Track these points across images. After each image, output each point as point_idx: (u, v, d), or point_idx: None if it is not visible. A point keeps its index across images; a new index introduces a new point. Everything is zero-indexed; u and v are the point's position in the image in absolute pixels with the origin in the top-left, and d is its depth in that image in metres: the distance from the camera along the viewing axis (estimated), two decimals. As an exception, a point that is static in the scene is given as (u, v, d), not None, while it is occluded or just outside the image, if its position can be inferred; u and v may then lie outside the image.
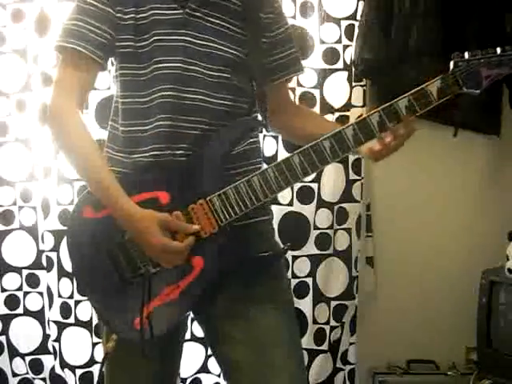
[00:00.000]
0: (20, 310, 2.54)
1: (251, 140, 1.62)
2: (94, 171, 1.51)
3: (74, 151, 1.54)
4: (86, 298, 1.60)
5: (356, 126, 1.50)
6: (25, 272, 2.53)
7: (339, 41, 2.54)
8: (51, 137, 1.66)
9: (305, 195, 2.56)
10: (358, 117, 1.51)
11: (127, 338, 1.51)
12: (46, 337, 2.56)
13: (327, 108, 2.53)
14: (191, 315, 1.69)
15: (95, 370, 2.52)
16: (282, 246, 1.70)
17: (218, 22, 1.56)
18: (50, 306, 2.51)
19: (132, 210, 1.46)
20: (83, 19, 1.54)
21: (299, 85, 2.52)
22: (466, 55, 1.52)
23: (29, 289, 2.54)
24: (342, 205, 2.60)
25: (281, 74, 1.69)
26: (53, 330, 2.51)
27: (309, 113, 1.91)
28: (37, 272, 2.53)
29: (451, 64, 1.53)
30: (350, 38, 2.54)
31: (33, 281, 2.54)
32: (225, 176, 1.52)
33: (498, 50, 1.52)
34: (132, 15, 1.54)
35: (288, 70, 1.70)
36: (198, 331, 2.43)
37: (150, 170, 1.52)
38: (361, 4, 2.53)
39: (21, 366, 2.56)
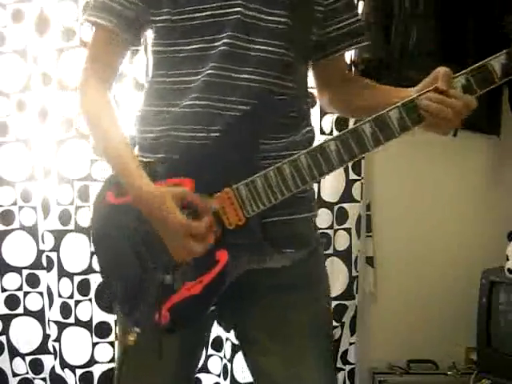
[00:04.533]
0: (20, 310, 2.54)
1: (303, 130, 1.46)
2: (112, 147, 1.41)
3: (96, 126, 1.46)
4: (109, 288, 1.50)
5: (402, 108, 1.31)
6: (25, 272, 2.53)
7: (339, 41, 2.54)
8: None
9: (305, 195, 2.55)
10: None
11: (148, 330, 1.41)
12: (46, 337, 2.56)
13: (327, 108, 2.53)
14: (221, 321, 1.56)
15: (95, 370, 2.53)
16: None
17: None
18: (50, 306, 2.51)
19: (146, 188, 1.35)
20: None
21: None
22: None
23: (29, 289, 2.54)
24: (342, 205, 2.60)
25: (339, 46, 1.51)
26: (53, 330, 2.51)
27: (368, 82, 1.64)
28: (37, 272, 2.53)
29: None
30: (350, 38, 2.54)
31: (33, 281, 2.54)
32: (260, 165, 1.37)
33: None
34: None
35: (350, 40, 1.51)
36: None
37: (175, 154, 1.40)
38: (361, 4, 2.53)
39: (21, 366, 2.56)
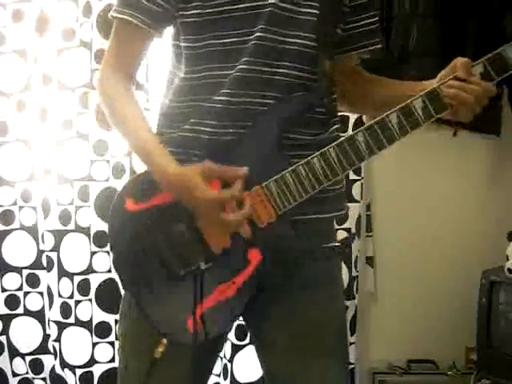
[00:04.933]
0: (20, 310, 2.54)
1: (332, 128, 1.45)
2: (137, 136, 1.39)
3: (119, 118, 1.43)
4: (133, 297, 1.45)
5: (425, 97, 1.33)
6: (25, 272, 2.53)
7: (339, 41, 2.54)
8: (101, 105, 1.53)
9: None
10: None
11: (179, 341, 1.37)
12: (46, 337, 2.56)
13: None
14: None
15: (95, 370, 2.52)
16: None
17: None
18: (50, 306, 2.51)
19: (172, 170, 1.32)
20: None
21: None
22: None
23: (29, 289, 2.54)
24: (342, 205, 2.60)
25: (355, 45, 1.51)
26: (53, 330, 2.51)
27: (379, 79, 1.66)
28: (37, 272, 2.53)
29: None
30: (350, 38, 2.54)
31: (33, 281, 2.54)
32: (288, 161, 1.35)
33: None
34: None
35: (365, 41, 1.51)
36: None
37: (203, 150, 1.37)
38: (361, 4, 2.53)
39: (21, 366, 2.56)
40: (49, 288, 2.51)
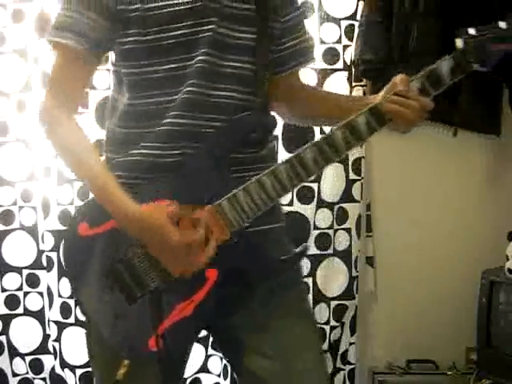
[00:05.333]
0: (20, 310, 2.54)
1: (269, 144, 1.52)
2: (88, 170, 1.40)
3: (68, 152, 1.44)
4: (88, 321, 1.50)
5: (368, 113, 1.40)
6: (25, 272, 2.53)
7: (339, 41, 2.54)
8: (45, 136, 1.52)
9: (305, 195, 2.56)
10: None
11: (141, 360, 1.39)
12: (46, 337, 2.56)
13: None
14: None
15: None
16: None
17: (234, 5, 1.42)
18: (50, 306, 2.51)
19: (136, 208, 1.33)
20: (77, 10, 1.40)
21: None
22: (473, 31, 1.45)
23: (29, 289, 2.55)
24: (342, 205, 2.60)
25: (289, 65, 1.57)
26: (53, 330, 2.51)
27: (324, 95, 1.74)
28: (37, 272, 2.53)
29: (458, 42, 1.45)
30: (350, 38, 2.54)
31: (33, 281, 2.54)
32: (233, 179, 1.40)
33: (504, 24, 1.47)
34: (138, 5, 1.38)
35: (298, 60, 1.58)
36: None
37: (153, 174, 1.40)
38: (361, 4, 2.54)
39: (21, 366, 2.56)
40: (49, 288, 2.51)
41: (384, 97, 1.43)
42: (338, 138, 1.39)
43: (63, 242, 1.50)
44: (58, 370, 2.53)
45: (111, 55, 1.51)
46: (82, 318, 2.48)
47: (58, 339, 2.50)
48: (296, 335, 1.46)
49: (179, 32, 1.39)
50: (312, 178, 1.44)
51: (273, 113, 1.59)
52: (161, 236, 1.31)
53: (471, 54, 1.44)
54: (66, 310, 2.49)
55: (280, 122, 2.47)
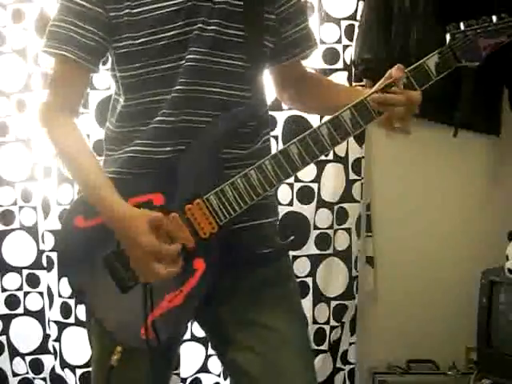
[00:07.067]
0: (20, 310, 2.55)
1: (264, 138, 1.55)
2: (82, 172, 1.46)
3: (65, 154, 1.50)
4: (85, 308, 1.57)
5: (353, 108, 1.42)
6: (25, 272, 2.54)
7: (339, 41, 2.54)
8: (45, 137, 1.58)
9: (305, 195, 2.56)
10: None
11: (134, 347, 1.44)
12: (46, 337, 2.56)
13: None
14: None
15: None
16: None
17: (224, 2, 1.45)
18: (50, 306, 2.51)
19: (122, 209, 1.39)
20: (71, 21, 1.45)
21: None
22: (462, 26, 1.47)
23: (29, 289, 2.55)
24: (342, 205, 2.60)
25: (292, 53, 1.60)
26: (53, 330, 2.51)
27: (328, 83, 1.79)
28: (37, 272, 2.53)
29: (447, 36, 1.48)
30: (349, 38, 2.54)
31: (33, 281, 2.54)
32: (226, 174, 1.44)
33: (494, 18, 1.47)
34: (127, 11, 1.43)
35: (300, 47, 1.60)
36: (198, 331, 2.43)
37: (145, 169, 1.46)
38: (361, 4, 2.54)
39: (21, 366, 2.56)
40: (49, 288, 2.51)
41: (374, 90, 1.44)
42: (324, 134, 1.42)
43: (60, 231, 1.56)
44: (58, 370, 2.53)
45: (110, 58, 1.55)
46: (82, 318, 2.49)
47: (58, 339, 2.50)
48: (283, 330, 1.49)
49: (171, 33, 1.43)
50: (297, 173, 1.46)
51: (271, 112, 1.60)
52: (133, 238, 1.36)
53: (459, 49, 1.46)
54: (66, 310, 2.49)
55: (280, 122, 2.51)
